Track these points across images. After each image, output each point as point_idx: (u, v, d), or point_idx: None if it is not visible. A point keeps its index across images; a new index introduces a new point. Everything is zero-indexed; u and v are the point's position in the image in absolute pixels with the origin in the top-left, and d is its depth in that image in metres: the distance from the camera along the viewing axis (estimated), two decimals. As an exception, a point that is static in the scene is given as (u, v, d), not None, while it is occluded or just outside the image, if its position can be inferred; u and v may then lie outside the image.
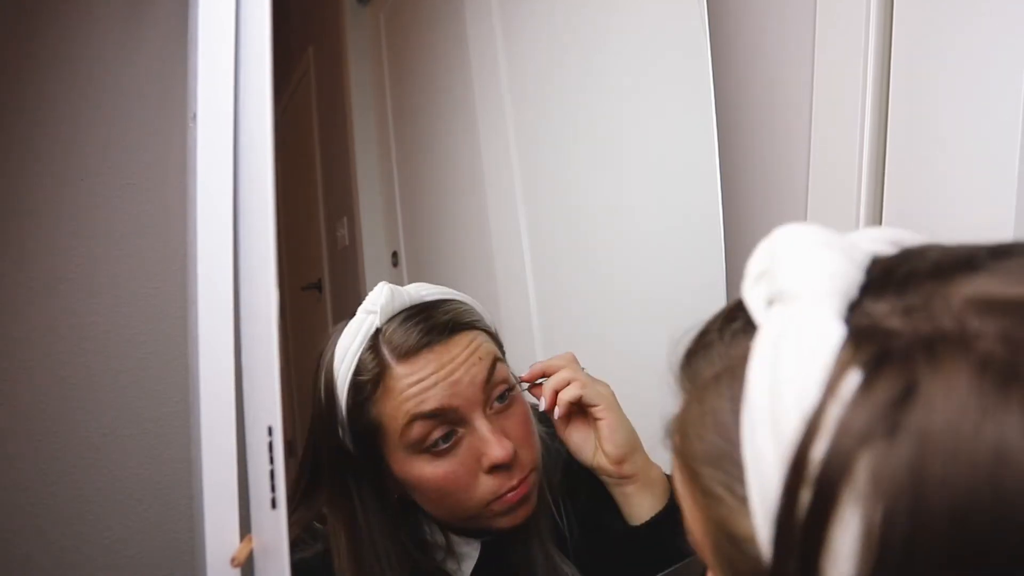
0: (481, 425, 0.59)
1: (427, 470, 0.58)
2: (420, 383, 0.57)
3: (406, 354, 0.58)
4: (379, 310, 0.59)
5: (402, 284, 1.99)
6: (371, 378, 0.58)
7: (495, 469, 0.59)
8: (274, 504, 0.50)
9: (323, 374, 0.60)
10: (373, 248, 2.03)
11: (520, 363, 0.72)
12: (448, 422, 0.59)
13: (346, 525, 0.60)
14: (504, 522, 0.62)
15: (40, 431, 0.82)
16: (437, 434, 0.58)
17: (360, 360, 0.59)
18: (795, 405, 0.24)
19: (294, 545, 0.54)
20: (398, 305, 0.61)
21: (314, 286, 2.73)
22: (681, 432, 0.30)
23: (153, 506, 0.86)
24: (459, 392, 0.58)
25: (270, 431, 0.50)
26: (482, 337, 0.63)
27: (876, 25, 0.81)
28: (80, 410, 0.83)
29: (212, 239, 0.52)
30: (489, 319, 0.67)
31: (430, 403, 0.57)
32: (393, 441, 0.58)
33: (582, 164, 1.17)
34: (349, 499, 0.61)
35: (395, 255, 1.96)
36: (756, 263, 0.30)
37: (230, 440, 0.51)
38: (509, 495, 0.60)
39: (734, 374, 0.28)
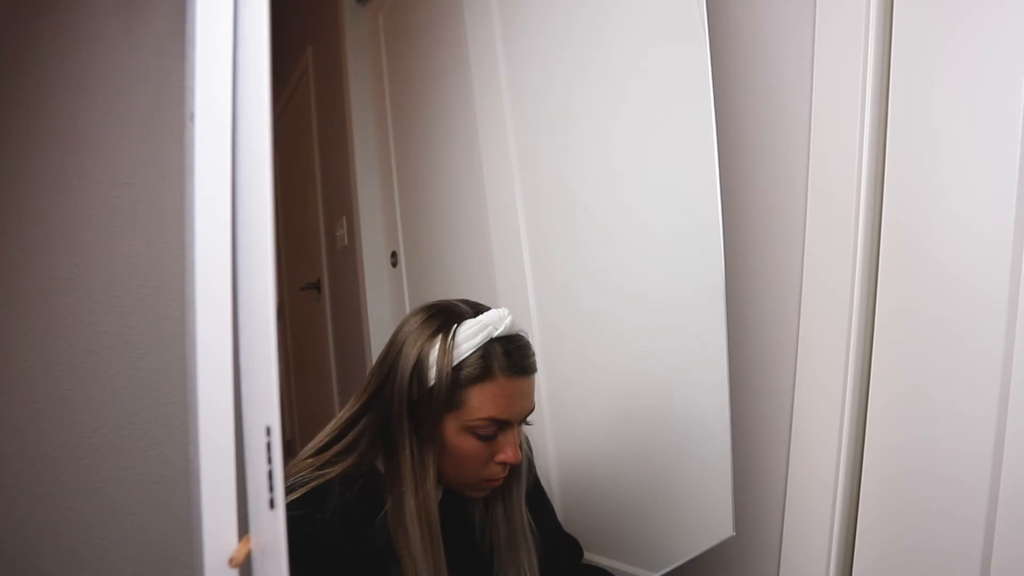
0: (513, 434, 0.83)
1: (467, 445, 0.80)
2: (508, 399, 0.80)
3: (513, 373, 0.80)
4: (503, 327, 0.81)
5: (401, 283, 1.98)
6: (479, 373, 0.79)
7: (502, 464, 0.83)
8: (272, 504, 0.49)
9: (439, 344, 0.79)
10: (372, 248, 2.03)
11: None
12: (501, 426, 0.81)
13: (400, 460, 0.79)
14: (475, 494, 0.86)
15: (37, 432, 0.81)
16: (491, 430, 0.81)
17: (472, 355, 0.79)
18: None
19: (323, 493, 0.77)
20: (511, 329, 0.83)
21: (313, 286, 2.72)
22: None
23: (151, 506, 0.86)
24: (520, 414, 0.83)
25: (268, 431, 0.50)
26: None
27: (876, 25, 0.81)
28: (77, 410, 0.83)
29: (210, 239, 0.52)
30: None
31: (505, 415, 0.80)
32: (462, 418, 0.79)
33: (581, 164, 1.17)
34: (406, 440, 0.79)
35: (394, 255, 1.96)
36: None
37: (228, 440, 0.51)
38: (494, 482, 0.84)
39: None
